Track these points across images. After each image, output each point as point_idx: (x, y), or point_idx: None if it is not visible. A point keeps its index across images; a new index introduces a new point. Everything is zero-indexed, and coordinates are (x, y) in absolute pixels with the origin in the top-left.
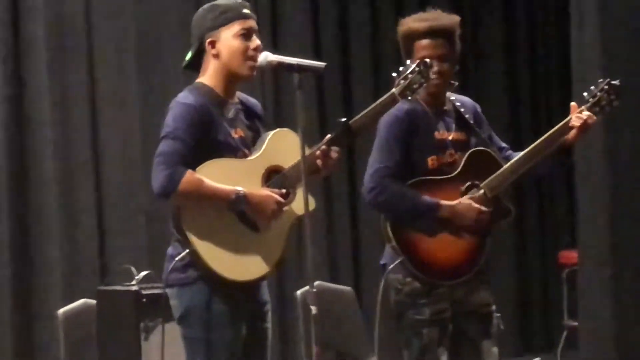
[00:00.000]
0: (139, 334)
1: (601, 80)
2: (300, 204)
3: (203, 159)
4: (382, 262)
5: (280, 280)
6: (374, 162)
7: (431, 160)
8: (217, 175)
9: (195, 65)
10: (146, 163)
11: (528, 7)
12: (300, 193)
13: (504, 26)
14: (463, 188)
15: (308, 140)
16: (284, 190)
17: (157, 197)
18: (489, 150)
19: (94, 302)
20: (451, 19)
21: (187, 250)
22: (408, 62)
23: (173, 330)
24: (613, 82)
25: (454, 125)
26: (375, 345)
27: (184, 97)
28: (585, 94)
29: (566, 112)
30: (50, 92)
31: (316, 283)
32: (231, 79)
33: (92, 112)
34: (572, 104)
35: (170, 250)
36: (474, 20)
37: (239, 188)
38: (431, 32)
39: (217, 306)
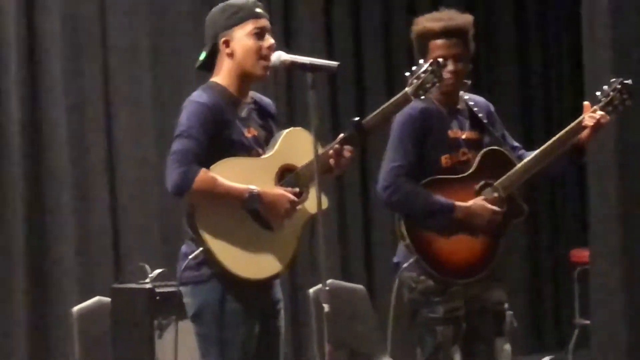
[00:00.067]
0: (152, 331)
1: (614, 79)
2: (313, 202)
3: (216, 158)
4: (395, 260)
5: (293, 278)
6: (388, 161)
7: (445, 159)
8: (231, 174)
9: (209, 66)
10: (160, 162)
11: (540, 7)
12: (313, 192)
13: (516, 26)
14: (477, 187)
15: (321, 139)
16: (297, 189)
17: (171, 195)
18: (502, 149)
19: (108, 300)
20: (465, 19)
21: (201, 249)
22: (421, 61)
23: (186, 328)
24: (626, 81)
25: (467, 124)
26: (389, 343)
27: (198, 96)
28: (598, 93)
29: (579, 111)
30: (64, 93)
31: (329, 281)
32: (245, 78)
33: (107, 111)
34: (585, 103)
35: (184, 248)
36: (487, 20)
37: (253, 187)
38: (446, 32)
39: (231, 304)
